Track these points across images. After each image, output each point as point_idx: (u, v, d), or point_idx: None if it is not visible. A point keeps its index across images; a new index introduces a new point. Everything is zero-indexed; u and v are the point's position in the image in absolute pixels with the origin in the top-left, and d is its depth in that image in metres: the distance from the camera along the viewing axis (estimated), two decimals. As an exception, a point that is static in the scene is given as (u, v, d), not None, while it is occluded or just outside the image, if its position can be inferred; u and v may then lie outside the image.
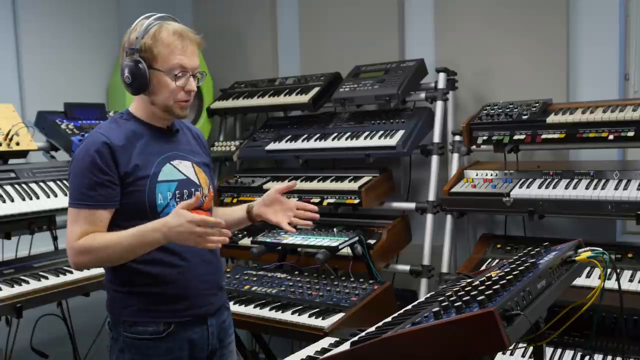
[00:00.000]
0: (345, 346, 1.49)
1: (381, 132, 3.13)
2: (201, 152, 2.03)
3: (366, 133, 3.18)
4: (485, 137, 2.80)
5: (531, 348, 1.91)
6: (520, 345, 2.15)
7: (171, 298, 1.85)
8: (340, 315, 2.35)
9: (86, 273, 2.68)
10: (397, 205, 3.28)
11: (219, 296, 1.99)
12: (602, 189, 2.49)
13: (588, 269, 2.41)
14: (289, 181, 3.31)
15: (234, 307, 2.54)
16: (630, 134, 2.46)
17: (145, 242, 1.72)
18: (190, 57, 1.82)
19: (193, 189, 1.90)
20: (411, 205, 3.19)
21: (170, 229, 1.66)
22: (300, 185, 3.26)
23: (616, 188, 2.46)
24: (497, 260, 2.74)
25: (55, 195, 2.76)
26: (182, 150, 1.94)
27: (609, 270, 2.36)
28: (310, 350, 1.79)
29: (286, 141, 3.42)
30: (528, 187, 2.66)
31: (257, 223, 2.08)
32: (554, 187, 2.59)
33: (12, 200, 2.61)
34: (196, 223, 1.63)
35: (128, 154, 1.80)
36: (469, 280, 1.58)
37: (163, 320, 1.84)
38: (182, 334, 1.87)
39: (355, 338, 1.43)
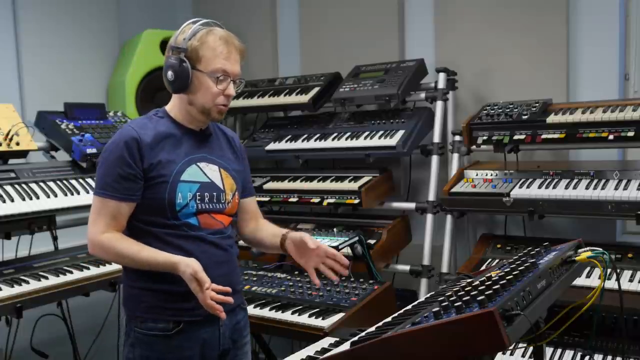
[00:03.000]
0: (345, 346, 1.49)
1: (381, 132, 3.13)
2: (232, 158, 2.05)
3: (366, 133, 3.18)
4: (485, 137, 2.80)
5: (531, 348, 1.92)
6: (520, 345, 2.15)
7: (182, 297, 1.86)
8: (340, 315, 2.35)
9: (86, 273, 2.68)
10: (397, 205, 3.28)
11: (234, 297, 1.96)
12: (602, 189, 2.49)
13: (588, 269, 2.41)
14: (288, 181, 3.32)
15: (234, 307, 2.54)
16: (630, 134, 2.46)
17: (154, 269, 1.82)
18: (233, 63, 1.88)
19: (215, 193, 1.93)
20: (411, 205, 3.19)
21: (177, 272, 1.77)
22: (300, 185, 3.26)
23: (616, 188, 2.46)
24: (497, 260, 2.74)
25: (55, 195, 2.76)
26: (212, 154, 1.97)
27: (609, 270, 2.36)
28: (310, 350, 1.79)
29: (286, 141, 3.42)
30: (528, 187, 2.66)
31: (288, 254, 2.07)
32: (554, 187, 2.59)
33: (12, 200, 2.61)
34: (196, 281, 1.73)
35: (155, 150, 1.85)
36: (469, 280, 1.58)
37: (173, 319, 1.87)
38: (192, 333, 1.89)
39: (355, 338, 1.43)
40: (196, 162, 1.91)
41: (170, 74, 1.86)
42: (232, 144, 2.08)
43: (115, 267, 2.76)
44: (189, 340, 1.89)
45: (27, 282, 2.52)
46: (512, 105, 2.84)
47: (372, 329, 1.46)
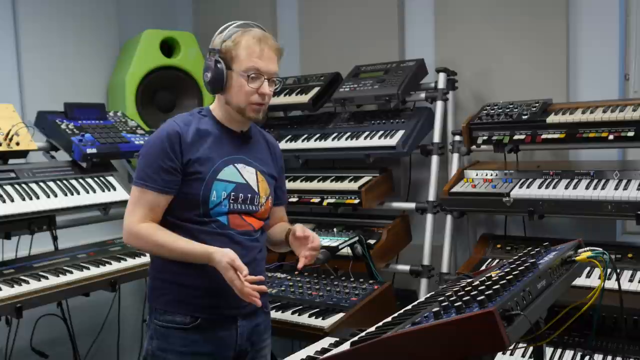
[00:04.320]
0: (345, 346, 1.49)
1: (381, 132, 3.13)
2: (270, 163, 2.08)
3: (366, 133, 3.18)
4: (485, 137, 2.81)
5: (531, 348, 1.92)
6: (520, 345, 2.15)
7: (202, 293, 1.90)
8: (340, 315, 2.35)
9: (86, 273, 2.68)
10: (397, 205, 3.27)
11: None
12: (602, 189, 2.49)
13: (588, 269, 2.41)
14: (288, 181, 3.32)
15: (234, 307, 2.54)
16: (630, 134, 2.46)
17: (189, 260, 1.86)
18: (266, 61, 1.89)
19: (249, 195, 1.96)
20: (411, 205, 3.19)
21: (212, 262, 1.80)
22: (300, 185, 3.26)
23: (616, 188, 2.46)
24: (497, 260, 2.74)
25: (55, 195, 2.76)
26: (251, 156, 2.00)
27: (609, 270, 2.36)
28: (310, 350, 1.79)
29: (286, 141, 3.42)
30: (528, 187, 2.66)
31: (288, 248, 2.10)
32: (554, 187, 2.59)
33: (12, 200, 2.61)
34: (232, 270, 1.76)
35: (196, 146, 1.89)
36: (469, 280, 1.58)
37: (191, 314, 1.90)
38: (209, 330, 1.91)
39: (355, 338, 1.43)
40: (234, 162, 1.94)
41: (207, 75, 1.91)
42: (272, 151, 2.12)
43: (115, 267, 2.76)
44: (205, 337, 1.91)
45: (27, 282, 2.52)
46: (512, 105, 2.84)
47: (372, 329, 1.46)
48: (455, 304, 1.19)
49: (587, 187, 2.53)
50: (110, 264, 2.79)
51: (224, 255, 1.78)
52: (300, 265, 1.94)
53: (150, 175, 1.85)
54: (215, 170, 1.89)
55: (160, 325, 1.92)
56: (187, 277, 1.89)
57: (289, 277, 2.75)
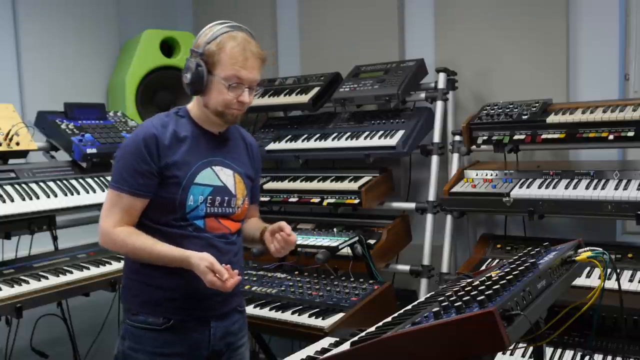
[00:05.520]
0: (345, 346, 1.49)
1: (381, 132, 3.13)
2: (248, 164, 2.06)
3: (366, 133, 3.18)
4: (485, 137, 2.81)
5: (531, 348, 1.92)
6: (520, 345, 2.15)
7: (176, 295, 1.89)
8: (340, 315, 2.35)
9: (86, 273, 2.68)
10: (397, 205, 3.27)
11: (227, 303, 1.99)
12: (602, 189, 2.49)
13: (588, 269, 2.41)
14: (288, 181, 3.32)
15: (234, 307, 2.54)
16: (630, 134, 2.46)
17: (166, 264, 1.84)
18: (249, 70, 1.87)
19: (227, 197, 1.94)
20: (411, 205, 3.19)
21: (190, 266, 1.79)
22: (300, 185, 3.26)
23: (616, 188, 2.46)
24: (497, 260, 2.74)
25: (55, 195, 2.76)
26: (228, 158, 1.98)
27: (609, 270, 2.36)
28: (310, 350, 1.79)
29: (286, 141, 3.42)
30: (528, 187, 2.66)
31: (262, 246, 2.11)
32: (554, 187, 2.59)
33: (12, 200, 2.61)
34: (212, 273, 1.76)
35: (173, 149, 1.86)
36: (469, 280, 1.58)
37: (164, 315, 1.89)
38: (181, 331, 1.90)
39: (355, 338, 1.43)
40: (211, 165, 1.93)
41: (187, 76, 1.88)
42: (250, 151, 2.10)
43: (115, 267, 2.76)
44: (178, 338, 1.90)
45: (27, 282, 2.52)
46: (512, 105, 2.84)
47: (372, 329, 1.46)
48: (455, 304, 1.19)
49: (587, 187, 2.53)
50: (110, 264, 2.79)
51: (201, 259, 1.77)
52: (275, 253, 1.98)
53: (126, 179, 1.83)
54: (193, 174, 1.87)
55: (133, 325, 1.91)
56: (160, 279, 1.87)
57: (289, 277, 2.75)
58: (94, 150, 2.96)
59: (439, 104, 3.14)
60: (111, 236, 1.85)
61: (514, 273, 1.32)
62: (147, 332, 1.89)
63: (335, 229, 2.99)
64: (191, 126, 1.93)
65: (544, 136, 2.65)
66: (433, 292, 1.78)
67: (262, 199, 3.33)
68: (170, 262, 1.83)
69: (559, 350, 2.43)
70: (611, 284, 2.28)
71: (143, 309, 1.90)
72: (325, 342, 1.84)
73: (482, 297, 1.17)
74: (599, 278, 2.36)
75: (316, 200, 3.14)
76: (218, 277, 1.75)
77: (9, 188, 2.67)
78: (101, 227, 1.87)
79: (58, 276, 2.63)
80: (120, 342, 1.95)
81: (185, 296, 1.89)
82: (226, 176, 1.95)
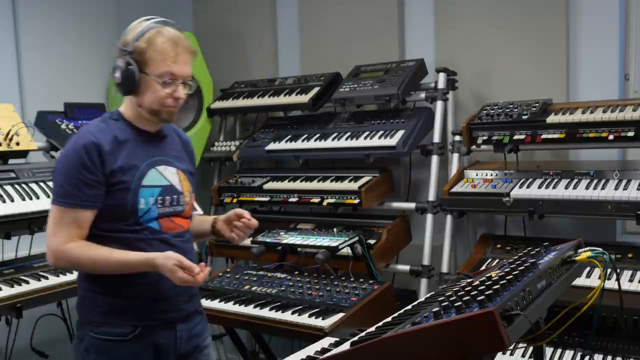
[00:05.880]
0: (345, 346, 1.49)
1: (381, 132, 3.13)
2: (187, 159, 2.04)
3: (366, 133, 3.18)
4: (485, 137, 2.80)
5: (531, 348, 1.92)
6: (520, 345, 2.15)
7: (139, 301, 1.85)
8: (340, 315, 2.35)
9: (86, 273, 2.68)
10: (397, 205, 3.27)
11: (191, 303, 1.99)
12: (602, 189, 2.48)
13: (588, 269, 2.41)
14: (288, 181, 3.32)
15: (234, 307, 2.54)
16: (630, 134, 2.46)
17: (128, 271, 1.79)
18: (181, 65, 1.83)
19: (175, 196, 1.92)
20: (411, 205, 3.19)
21: (155, 268, 1.75)
22: (300, 185, 3.26)
23: (616, 188, 2.46)
24: (497, 260, 2.74)
25: (55, 195, 2.76)
26: (169, 155, 1.95)
27: (609, 270, 2.36)
28: (310, 350, 1.79)
29: (286, 141, 3.42)
30: (528, 187, 2.66)
31: (219, 237, 2.10)
32: (554, 187, 2.59)
33: (12, 200, 2.61)
34: (182, 270, 1.72)
35: (115, 155, 1.81)
36: (469, 280, 1.58)
37: (129, 323, 1.85)
38: (148, 338, 1.87)
39: (355, 338, 1.43)
40: (155, 165, 1.89)
41: (117, 76, 1.83)
42: (186, 147, 2.07)
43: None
44: (145, 345, 1.87)
45: (27, 282, 2.53)
46: (512, 105, 2.84)
47: (372, 329, 1.46)
48: (455, 304, 1.19)
49: (587, 187, 2.53)
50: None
51: (167, 259, 1.73)
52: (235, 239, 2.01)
53: (70, 192, 1.76)
54: (140, 177, 1.83)
55: (97, 338, 1.84)
56: (119, 287, 1.83)
57: (289, 277, 2.75)
58: (94, 150, 2.95)
59: (439, 104, 3.14)
60: (64, 254, 1.78)
61: (514, 273, 1.32)
62: (113, 343, 1.84)
63: (335, 229, 2.99)
64: (128, 128, 1.88)
65: (544, 136, 2.65)
66: (433, 292, 1.78)
67: (262, 199, 3.34)
68: (133, 268, 1.78)
69: (559, 350, 2.43)
70: (611, 284, 2.28)
71: (107, 320, 1.84)
72: (325, 342, 1.84)
73: (482, 297, 1.17)
74: (599, 278, 2.36)
75: (316, 200, 3.14)
76: (188, 273, 1.72)
77: (9, 188, 2.67)
78: (49, 246, 1.80)
79: (58, 276, 2.63)
80: (84, 355, 1.88)
81: (150, 299, 1.86)
82: (171, 174, 1.93)
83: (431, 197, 3.09)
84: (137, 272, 1.79)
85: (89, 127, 1.85)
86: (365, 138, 3.14)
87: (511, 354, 2.37)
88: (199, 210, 3.09)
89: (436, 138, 3.12)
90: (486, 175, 2.86)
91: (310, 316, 2.36)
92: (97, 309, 1.86)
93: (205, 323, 2.09)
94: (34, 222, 2.71)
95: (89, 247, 1.79)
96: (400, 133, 3.06)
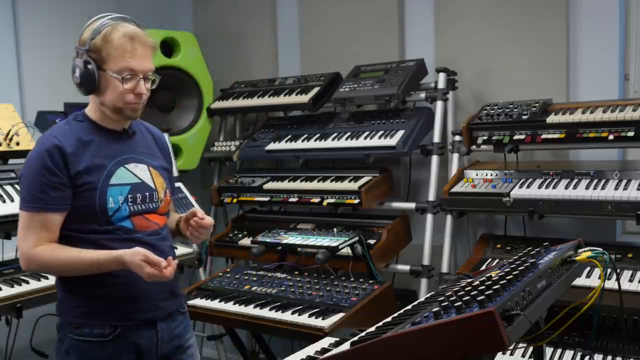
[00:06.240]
0: (345, 346, 1.49)
1: (381, 132, 3.13)
2: (160, 156, 2.02)
3: (366, 133, 3.18)
4: (485, 137, 2.80)
5: (531, 348, 1.92)
6: (520, 345, 2.15)
7: (118, 301, 1.84)
8: (340, 315, 2.35)
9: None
10: (397, 205, 3.27)
11: (172, 301, 1.97)
12: (602, 189, 2.48)
13: (588, 269, 2.41)
14: (288, 181, 3.32)
15: (234, 307, 2.54)
16: (630, 134, 2.46)
17: (99, 270, 1.78)
18: (140, 59, 1.80)
19: (147, 193, 1.90)
20: (411, 205, 3.19)
21: (124, 265, 1.74)
22: (300, 185, 3.26)
23: (616, 188, 2.46)
24: (497, 260, 2.74)
25: (55, 195, 2.76)
26: (139, 153, 1.93)
27: (609, 270, 2.36)
28: (310, 350, 1.79)
29: (286, 141, 3.42)
30: (528, 187, 2.66)
31: (183, 237, 2.08)
32: (554, 187, 2.59)
33: (12, 200, 2.61)
34: (149, 265, 1.71)
35: (79, 156, 1.80)
36: (469, 280, 1.58)
37: (109, 324, 1.83)
38: (129, 338, 1.86)
39: (355, 338, 1.43)
40: (124, 163, 1.87)
41: (76, 76, 1.81)
42: (159, 143, 2.05)
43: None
44: (126, 346, 1.86)
45: (27, 282, 2.53)
46: (512, 105, 2.84)
47: (372, 329, 1.46)
48: (455, 304, 1.19)
49: (587, 187, 2.53)
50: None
51: (134, 254, 1.71)
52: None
53: (36, 196, 1.75)
54: (106, 176, 1.81)
55: (78, 339, 1.83)
56: (96, 287, 1.82)
57: (289, 277, 2.75)
58: (94, 150, 2.96)
59: (439, 104, 3.14)
60: (34, 257, 1.77)
61: (514, 273, 1.32)
62: (94, 345, 1.83)
63: (335, 229, 2.99)
64: (93, 129, 1.86)
65: (544, 136, 2.65)
66: (433, 292, 1.78)
67: (262, 199, 3.34)
68: (102, 267, 1.77)
69: (559, 350, 2.43)
70: (611, 284, 2.28)
71: (86, 321, 1.83)
72: (325, 342, 1.84)
73: (482, 297, 1.17)
74: (599, 278, 2.36)
75: (316, 200, 3.14)
76: (156, 268, 1.71)
77: (9, 188, 2.67)
78: (20, 250, 1.79)
79: (58, 276, 2.63)
80: (64, 356, 1.86)
81: (127, 299, 1.85)
82: (142, 172, 1.90)
83: (431, 197, 3.09)
84: (108, 271, 1.78)
85: (52, 131, 1.84)
86: (365, 138, 3.14)
87: (511, 354, 2.37)
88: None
89: (436, 138, 3.12)
90: (486, 175, 2.87)
91: (310, 316, 2.36)
92: (75, 311, 1.85)
93: (188, 323, 2.08)
94: (34, 222, 2.70)
95: (58, 249, 1.78)
96: (400, 133, 3.06)
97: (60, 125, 1.88)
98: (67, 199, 1.78)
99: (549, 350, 2.42)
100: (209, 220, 1.96)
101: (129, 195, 1.85)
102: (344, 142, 3.19)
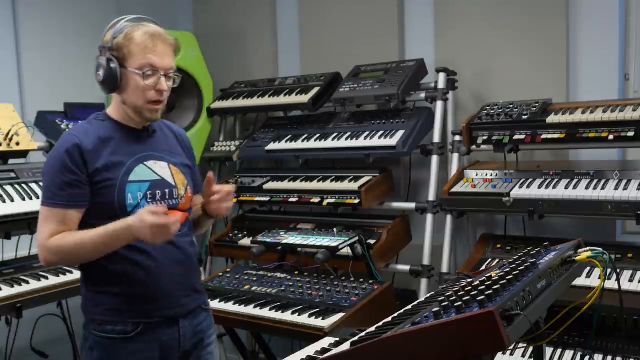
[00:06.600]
0: (345, 346, 1.49)
1: (381, 132, 3.13)
2: (181, 153, 2.04)
3: (366, 133, 3.18)
4: (485, 137, 2.80)
5: (531, 348, 1.92)
6: (520, 345, 2.15)
7: (140, 298, 1.86)
8: (340, 315, 2.35)
9: (86, 273, 2.68)
10: (397, 205, 3.27)
11: (194, 298, 1.98)
12: (602, 189, 2.48)
13: (588, 269, 2.41)
14: (288, 181, 3.32)
15: (234, 307, 2.54)
16: (630, 134, 2.46)
17: (111, 242, 1.77)
18: (161, 56, 1.84)
19: (167, 190, 1.92)
20: (411, 205, 3.19)
21: (133, 229, 1.71)
22: (300, 185, 3.26)
23: (616, 188, 2.46)
24: (497, 260, 2.74)
25: (55, 195, 2.76)
26: (159, 150, 1.95)
27: (609, 270, 2.36)
28: (310, 350, 1.79)
29: (286, 141, 3.42)
30: (528, 187, 2.66)
31: (214, 217, 2.06)
32: (554, 187, 2.59)
33: (12, 200, 2.61)
34: (158, 216, 1.68)
35: (98, 154, 1.82)
36: (469, 280, 1.58)
37: (131, 321, 1.85)
38: (151, 335, 1.87)
39: (355, 338, 1.43)
40: (143, 161, 1.89)
41: (99, 74, 1.85)
42: (181, 141, 2.07)
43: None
44: (148, 343, 1.87)
45: (27, 282, 2.53)
46: (512, 105, 2.84)
47: (372, 329, 1.46)
48: (455, 304, 1.19)
49: (587, 187, 2.53)
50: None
51: (142, 221, 1.68)
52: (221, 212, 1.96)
53: (55, 193, 1.79)
54: (125, 173, 1.84)
55: (101, 336, 1.86)
56: (120, 286, 1.84)
57: (289, 277, 2.75)
58: (94, 150, 2.95)
59: (439, 104, 3.14)
60: (47, 247, 1.79)
61: (514, 273, 1.32)
62: (116, 341, 1.85)
63: (335, 229, 2.99)
64: (114, 127, 1.90)
65: (544, 136, 2.65)
66: (433, 292, 1.78)
67: (262, 199, 3.34)
68: (113, 241, 1.76)
69: (559, 350, 2.43)
70: (611, 284, 2.28)
71: (109, 318, 1.86)
72: (325, 342, 1.84)
73: (482, 297, 1.17)
74: (599, 278, 2.36)
75: (316, 200, 3.14)
76: (161, 218, 1.68)
77: (9, 188, 2.67)
78: (37, 243, 1.82)
79: (58, 276, 2.63)
80: (88, 353, 1.90)
81: (150, 297, 1.86)
82: (161, 169, 1.92)
83: (431, 197, 3.09)
84: (122, 242, 1.77)
85: (73, 130, 1.88)
86: (365, 138, 3.14)
87: (511, 354, 2.37)
88: None
89: (436, 138, 3.12)
90: (486, 175, 2.87)
91: (310, 316, 2.36)
92: (98, 308, 1.88)
93: (211, 320, 2.10)
94: (34, 222, 2.67)
95: (67, 235, 1.79)
96: (400, 133, 3.06)
97: (82, 124, 1.92)
98: (85, 196, 1.81)
99: (549, 350, 2.42)
100: (229, 186, 1.99)
101: (149, 192, 1.87)
102: (344, 142, 3.19)
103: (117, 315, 1.85)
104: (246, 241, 3.27)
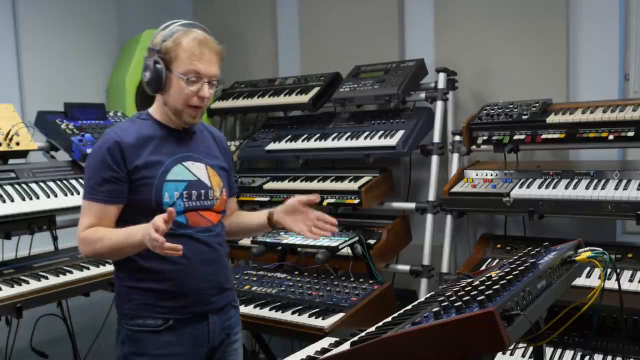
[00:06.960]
0: (345, 346, 1.49)
1: (381, 132, 3.13)
2: (219, 156, 2.08)
3: (366, 133, 3.18)
4: (485, 137, 2.81)
5: (531, 348, 1.92)
6: (520, 345, 2.15)
7: (170, 295, 1.89)
8: (340, 315, 2.35)
9: (86, 273, 2.69)
10: (397, 205, 3.27)
11: (223, 295, 2.01)
12: (602, 189, 2.49)
13: (588, 269, 2.41)
14: (288, 181, 3.32)
15: (234, 307, 2.54)
16: (630, 134, 2.46)
17: (129, 242, 1.79)
18: (206, 64, 1.89)
19: (203, 191, 1.95)
20: (411, 205, 3.19)
21: (143, 235, 1.72)
22: (300, 185, 3.26)
23: (616, 188, 2.46)
24: (497, 260, 2.74)
25: (55, 195, 2.76)
26: (197, 152, 1.99)
27: (609, 270, 2.36)
28: (310, 350, 1.79)
29: (286, 141, 3.42)
30: (528, 187, 2.66)
31: (277, 229, 2.15)
32: (554, 187, 2.59)
33: (12, 200, 2.61)
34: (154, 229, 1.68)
35: (138, 152, 1.87)
36: (469, 280, 1.58)
37: (162, 316, 1.89)
38: (181, 329, 1.91)
39: (355, 338, 1.43)
40: (181, 161, 1.93)
41: (146, 75, 1.90)
42: (219, 144, 2.11)
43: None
44: (178, 337, 1.91)
45: (27, 282, 2.52)
46: (512, 105, 2.84)
47: (372, 329, 1.46)
48: (455, 304, 1.19)
49: (587, 187, 2.53)
50: (110, 263, 2.78)
51: (146, 232, 1.68)
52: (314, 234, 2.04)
53: (94, 188, 1.85)
54: (164, 172, 1.88)
55: (132, 330, 1.91)
56: (151, 282, 1.88)
57: (289, 277, 2.75)
58: (94, 150, 2.95)
59: (439, 104, 3.14)
60: (80, 238, 1.86)
61: (514, 273, 1.32)
62: (146, 334, 1.89)
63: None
64: (155, 127, 1.95)
65: (544, 136, 2.65)
66: (433, 292, 1.78)
67: (262, 199, 3.34)
68: (129, 243, 1.78)
69: (559, 350, 2.43)
70: (611, 284, 2.28)
71: (140, 313, 1.90)
72: (325, 342, 1.84)
73: (482, 297, 1.17)
74: (599, 278, 2.36)
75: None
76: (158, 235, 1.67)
77: (9, 188, 2.66)
78: (77, 236, 1.89)
79: (58, 276, 2.63)
80: (120, 347, 1.95)
81: (179, 294, 1.90)
82: (199, 170, 1.96)
83: (431, 197, 3.09)
84: (137, 248, 1.78)
85: (115, 127, 1.94)
86: (365, 138, 3.14)
87: (511, 354, 2.37)
88: None
89: (436, 138, 3.12)
90: (486, 175, 2.87)
91: (310, 316, 2.36)
92: (129, 303, 1.92)
93: (239, 318, 2.12)
94: (34, 222, 2.71)
95: (100, 229, 1.85)
96: (400, 133, 3.06)
97: (123, 122, 1.99)
98: (123, 192, 1.87)
99: (549, 350, 2.42)
100: (331, 219, 2.09)
101: (185, 192, 1.91)
102: (344, 142, 3.19)
103: (148, 309, 1.89)
104: (246, 241, 3.26)
